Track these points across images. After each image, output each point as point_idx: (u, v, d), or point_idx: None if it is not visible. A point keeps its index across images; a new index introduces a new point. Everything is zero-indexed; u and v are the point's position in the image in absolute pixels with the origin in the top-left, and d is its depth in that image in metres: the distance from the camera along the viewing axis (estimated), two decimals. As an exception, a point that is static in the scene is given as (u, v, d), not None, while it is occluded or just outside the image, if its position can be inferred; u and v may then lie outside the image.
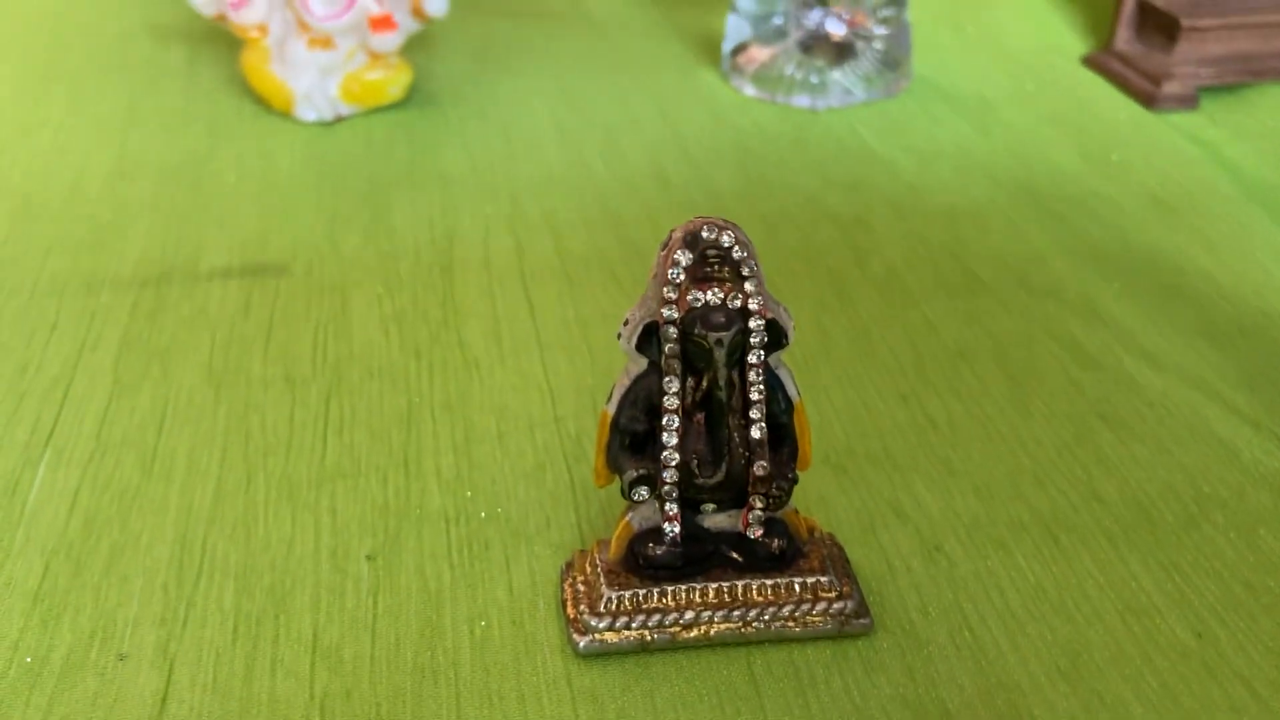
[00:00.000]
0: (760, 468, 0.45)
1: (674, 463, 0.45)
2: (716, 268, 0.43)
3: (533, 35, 1.02)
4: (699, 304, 0.43)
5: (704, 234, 0.43)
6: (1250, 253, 0.72)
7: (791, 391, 0.46)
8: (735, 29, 0.92)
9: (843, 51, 0.90)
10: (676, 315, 0.43)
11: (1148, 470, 0.55)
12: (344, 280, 0.69)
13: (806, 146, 0.84)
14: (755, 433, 0.45)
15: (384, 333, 0.65)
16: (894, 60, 0.91)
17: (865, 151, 0.83)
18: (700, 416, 0.45)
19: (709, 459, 0.45)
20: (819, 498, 0.53)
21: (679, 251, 0.43)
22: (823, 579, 0.47)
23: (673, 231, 0.44)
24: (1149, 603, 0.48)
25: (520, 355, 0.63)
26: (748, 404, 0.45)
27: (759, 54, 0.91)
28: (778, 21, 0.89)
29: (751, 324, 0.43)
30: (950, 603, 0.48)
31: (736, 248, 0.43)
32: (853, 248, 0.72)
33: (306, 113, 0.87)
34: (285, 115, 0.88)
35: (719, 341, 0.43)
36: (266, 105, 0.89)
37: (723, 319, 0.43)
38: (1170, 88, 0.88)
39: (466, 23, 1.03)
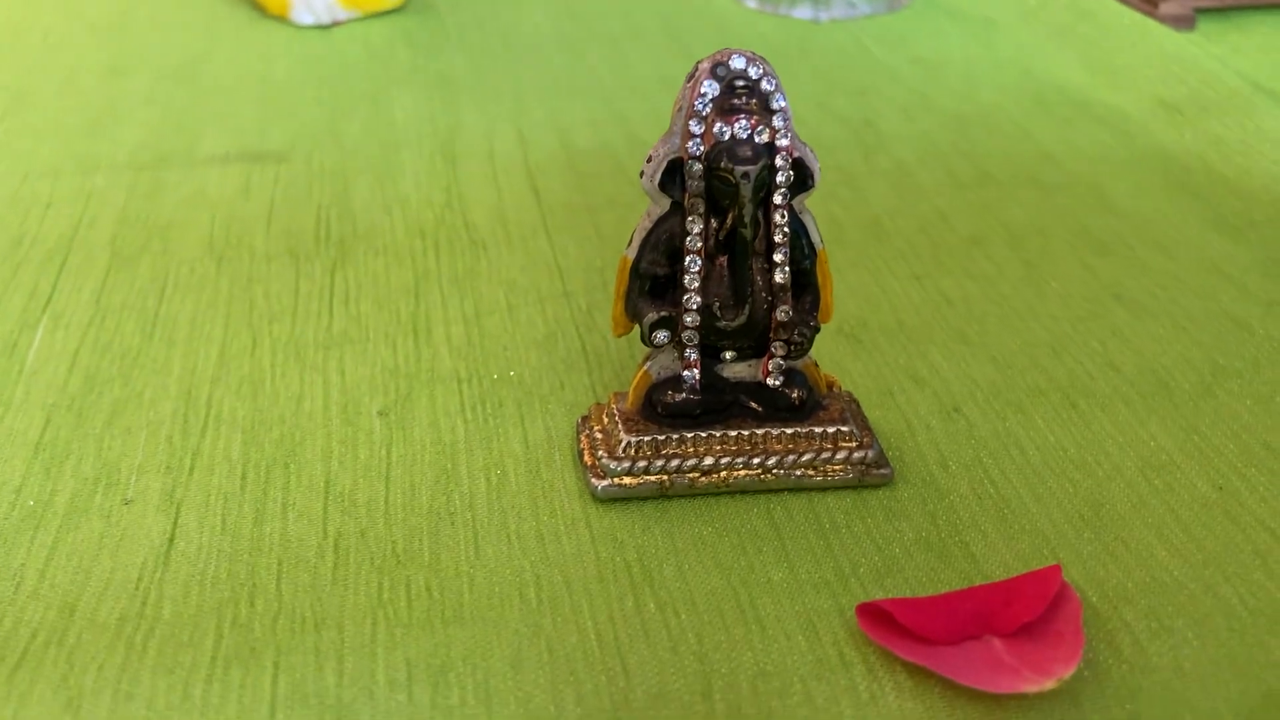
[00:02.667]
0: (782, 313, 0.44)
1: (695, 306, 0.44)
2: (744, 99, 0.43)
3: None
4: (725, 137, 0.42)
5: (732, 64, 0.42)
6: (1258, 148, 0.71)
7: (815, 239, 0.45)
8: (738, -57, 0.92)
9: (846, -34, 0.90)
10: (702, 150, 0.43)
11: (1163, 345, 0.55)
12: (345, 167, 0.68)
13: (811, 56, 0.83)
14: (778, 277, 0.44)
15: (388, 214, 0.64)
16: (897, -22, 0.91)
17: (871, 61, 0.83)
18: (723, 259, 0.44)
19: (731, 302, 0.44)
20: (835, 365, 0.52)
21: (706, 81, 0.42)
22: (843, 428, 0.46)
23: (699, 62, 0.43)
24: (1169, 460, 0.48)
25: (528, 237, 0.62)
26: (771, 247, 0.44)
27: (761, -31, 0.91)
28: (781, -67, 0.89)
29: (778, 161, 0.43)
30: (971, 459, 0.48)
31: (765, 79, 0.43)
32: (862, 146, 0.71)
33: (303, 16, 0.85)
34: (282, 19, 0.86)
35: (745, 176, 0.42)
36: (262, 10, 0.87)
37: (749, 153, 0.42)
38: (1168, 8, 0.87)
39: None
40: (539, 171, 0.68)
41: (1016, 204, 0.66)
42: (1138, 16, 0.88)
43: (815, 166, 0.44)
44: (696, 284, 0.44)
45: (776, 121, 0.43)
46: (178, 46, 0.83)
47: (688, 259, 0.44)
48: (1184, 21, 0.88)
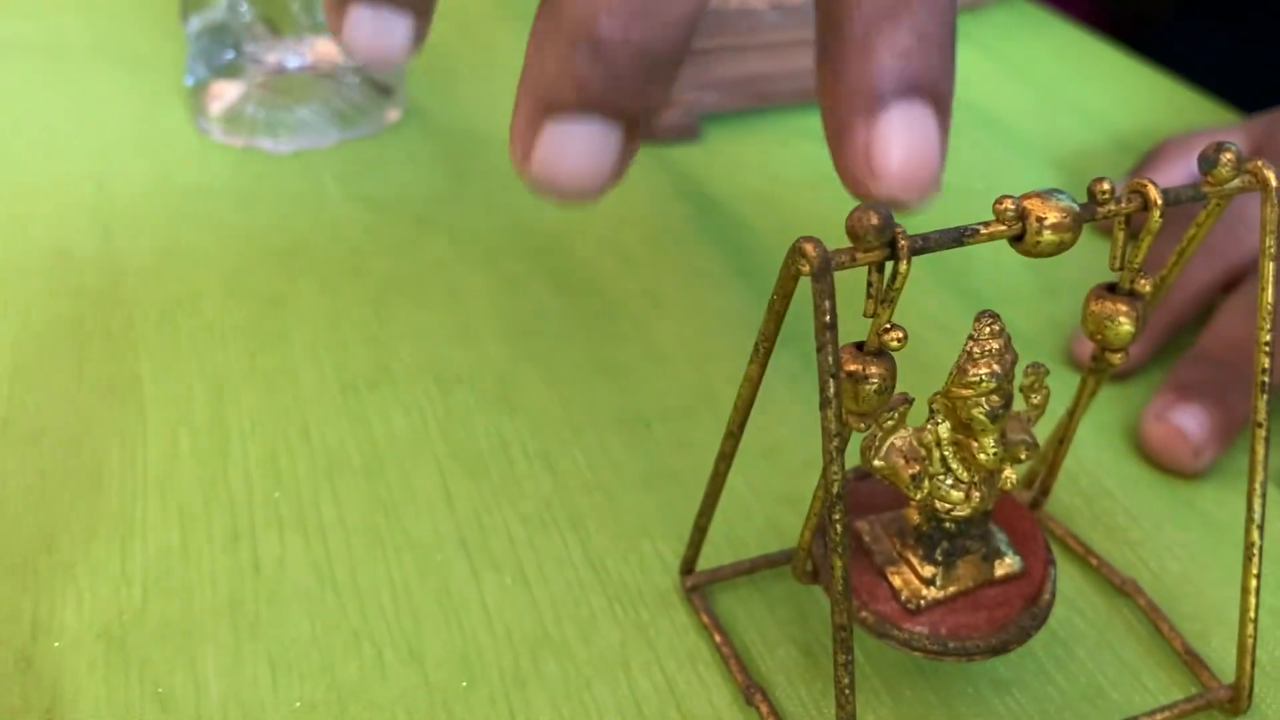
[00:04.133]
0: None
1: None
2: None
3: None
4: None
5: None
6: (696, 320, 0.65)
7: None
8: (192, 63, 0.80)
9: (316, 85, 0.80)
10: None
11: (487, 612, 0.47)
12: None
13: (255, 204, 0.73)
14: None
15: None
16: (382, 89, 0.82)
17: (320, 206, 0.73)
18: None
19: None
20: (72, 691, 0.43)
21: None
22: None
23: None
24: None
25: None
26: None
27: (224, 91, 0.80)
28: (229, 55, 0.79)
29: None
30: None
31: None
32: (253, 336, 0.61)
33: None
34: None
35: None
36: None
37: None
38: (671, 116, 0.81)
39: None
40: None
41: (403, 407, 0.57)
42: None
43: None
44: None
45: None
46: None
47: None
48: (688, 132, 0.83)
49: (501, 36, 0.97)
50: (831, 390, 0.36)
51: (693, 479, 0.54)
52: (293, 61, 0.78)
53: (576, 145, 0.36)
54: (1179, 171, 0.75)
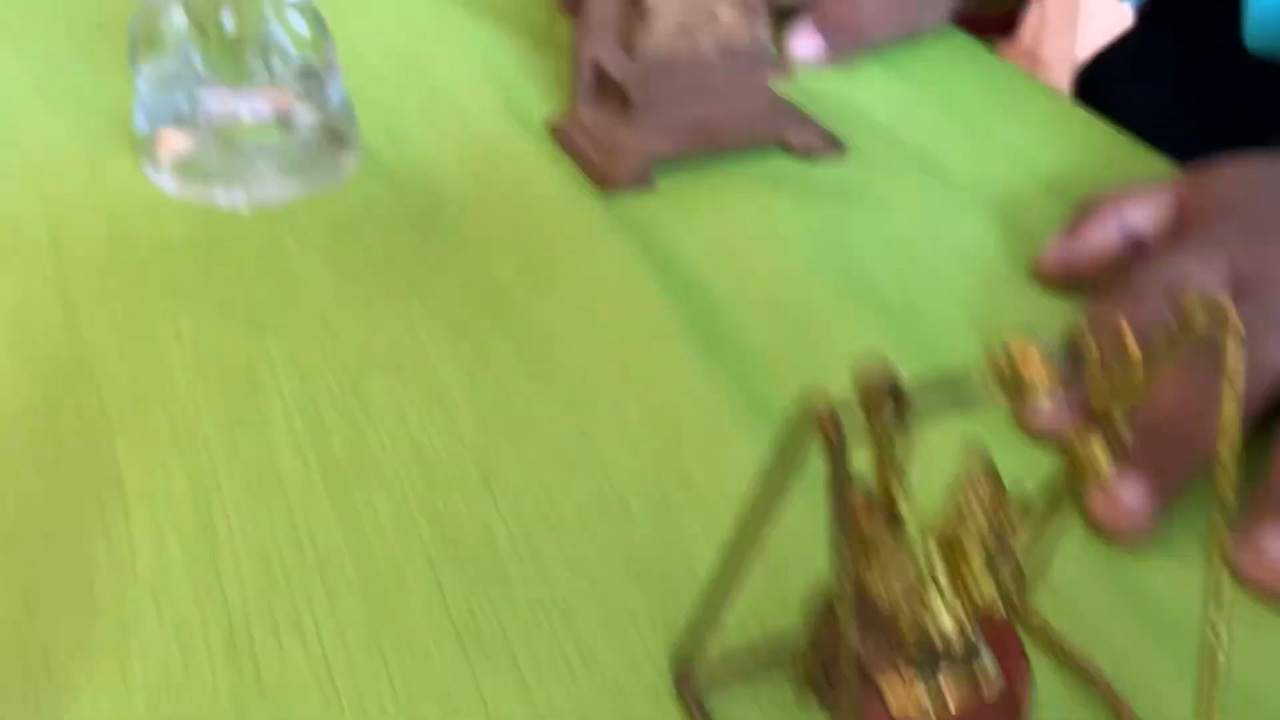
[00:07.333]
0: None
1: None
2: None
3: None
4: None
5: None
6: (663, 394, 0.65)
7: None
8: (143, 112, 0.79)
9: (270, 134, 0.79)
10: None
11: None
12: None
13: (215, 264, 0.72)
14: None
15: None
16: (337, 138, 0.81)
17: (282, 267, 0.72)
18: None
19: None
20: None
21: None
22: None
23: None
24: None
25: None
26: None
27: (177, 141, 0.79)
28: (182, 104, 0.78)
29: None
30: None
31: None
32: (227, 414, 0.60)
33: None
34: None
35: None
36: None
37: None
38: (625, 164, 0.82)
39: None
40: None
41: (380, 498, 0.57)
42: (585, 195, 0.81)
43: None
44: None
45: None
46: None
47: None
48: (642, 180, 0.82)
49: (440, 68, 0.97)
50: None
51: (675, 565, 0.55)
52: (245, 110, 0.78)
53: None
54: (1112, 227, 0.79)
